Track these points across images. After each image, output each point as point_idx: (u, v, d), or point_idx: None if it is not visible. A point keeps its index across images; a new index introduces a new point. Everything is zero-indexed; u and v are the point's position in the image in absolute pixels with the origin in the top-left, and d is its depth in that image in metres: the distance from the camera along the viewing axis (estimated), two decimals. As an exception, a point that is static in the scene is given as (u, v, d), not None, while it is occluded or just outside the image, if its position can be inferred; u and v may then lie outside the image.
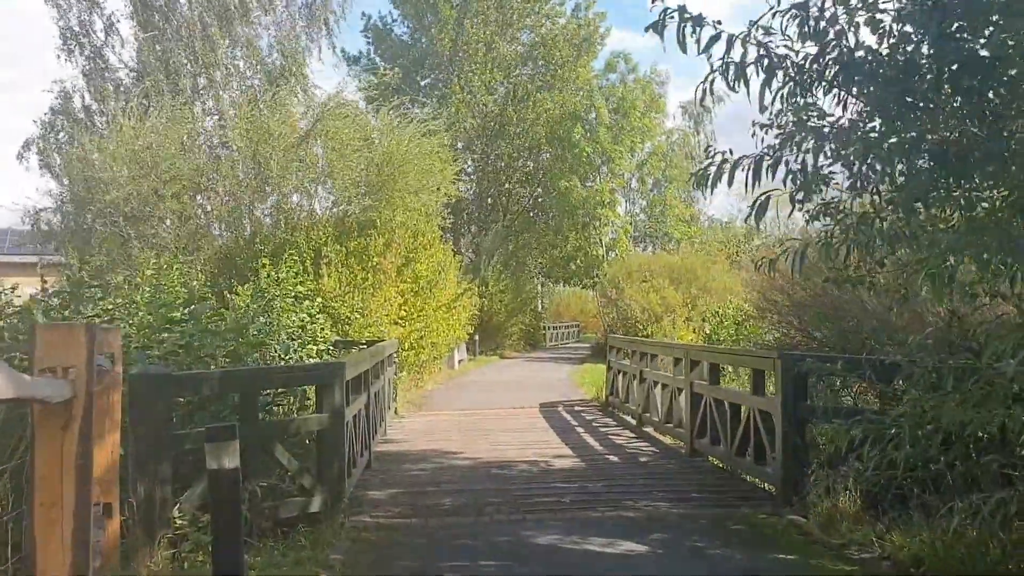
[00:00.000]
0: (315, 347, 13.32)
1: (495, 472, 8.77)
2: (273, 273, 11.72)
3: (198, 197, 18.06)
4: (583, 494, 7.58)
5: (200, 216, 17.82)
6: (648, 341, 12.19)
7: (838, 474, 6.02)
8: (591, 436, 11.29)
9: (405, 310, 17.60)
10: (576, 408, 14.59)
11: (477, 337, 27.91)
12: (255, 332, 7.72)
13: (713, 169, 4.88)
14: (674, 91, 75.66)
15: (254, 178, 17.46)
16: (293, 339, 13.33)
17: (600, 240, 34.97)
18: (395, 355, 14.47)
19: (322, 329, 13.78)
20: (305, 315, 13.60)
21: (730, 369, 11.33)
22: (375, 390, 10.24)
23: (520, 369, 25.14)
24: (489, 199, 39.61)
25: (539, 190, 38.79)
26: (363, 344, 14.06)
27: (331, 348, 13.84)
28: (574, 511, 6.90)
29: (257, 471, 6.32)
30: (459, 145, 33.89)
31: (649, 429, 11.61)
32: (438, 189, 18.73)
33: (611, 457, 9.62)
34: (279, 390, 7.29)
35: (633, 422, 12.27)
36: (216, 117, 21.29)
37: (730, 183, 4.95)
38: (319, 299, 14.21)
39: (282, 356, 8.25)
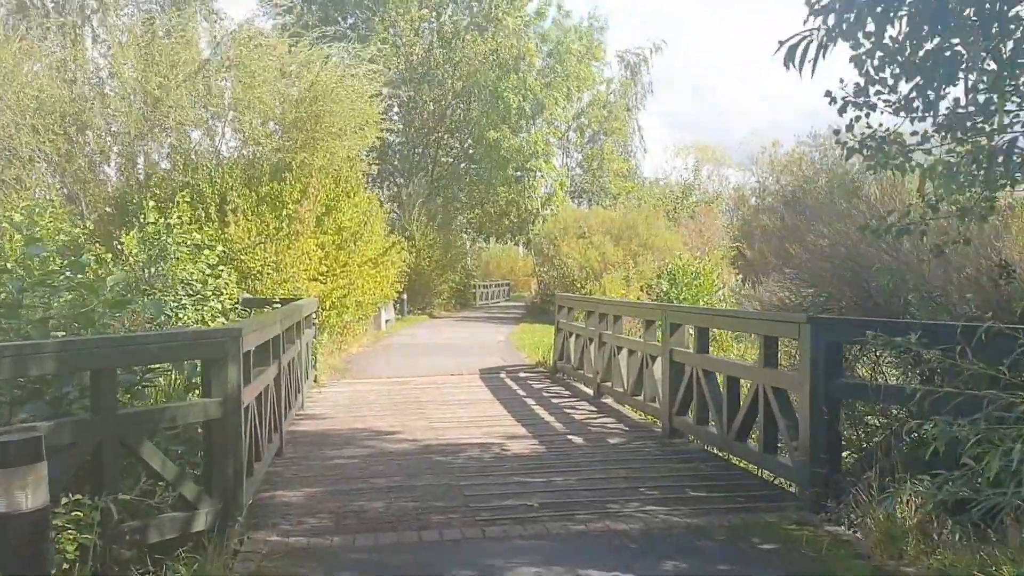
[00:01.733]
0: (218, 304, 11.51)
1: (437, 460, 7.13)
2: (160, 219, 9.73)
3: (87, 134, 15.68)
4: (553, 492, 6.00)
5: (83, 157, 15.42)
6: (610, 300, 10.66)
7: (896, 480, 4.57)
8: (544, 409, 9.73)
9: (326, 265, 15.69)
10: (521, 374, 13.03)
11: (405, 296, 26.07)
12: (114, 286, 5.74)
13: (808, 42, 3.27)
14: (612, 39, 74.09)
15: (151, 112, 15.16)
16: (190, 295, 11.48)
17: (535, 194, 33.27)
18: (315, 315, 12.63)
19: (227, 284, 11.93)
20: (204, 267, 11.76)
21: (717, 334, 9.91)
22: (289, 358, 8.45)
23: (453, 330, 23.46)
24: (417, 149, 37.43)
25: (469, 140, 36.80)
26: (276, 303, 12.23)
27: (238, 306, 12.04)
28: (547, 521, 5.30)
29: (116, 480, 4.54)
30: (383, 90, 31.65)
31: (609, 400, 10.13)
32: (362, 129, 16.69)
33: (574, 438, 8.07)
34: (152, 367, 5.41)
35: (589, 392, 10.77)
36: (106, 45, 18.68)
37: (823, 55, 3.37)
38: (219, 248, 12.24)
39: (156, 319, 6.32)
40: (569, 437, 8.10)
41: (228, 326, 5.68)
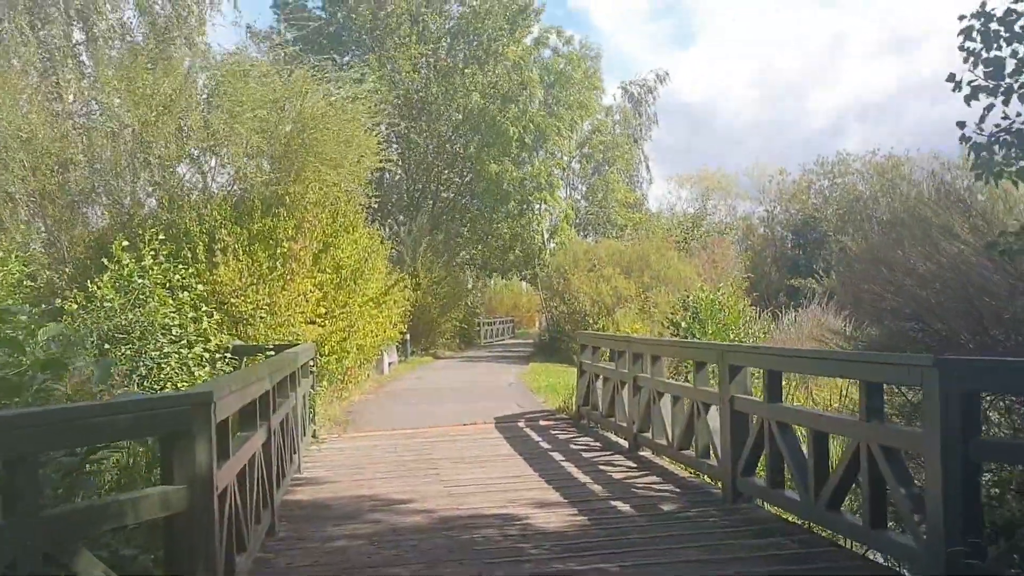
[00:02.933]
0: (202, 351, 10.40)
1: (459, 539, 5.90)
2: (132, 263, 8.62)
3: (70, 172, 14.60)
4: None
5: (64, 196, 14.34)
6: (648, 339, 9.48)
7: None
8: (576, 466, 8.49)
9: (324, 306, 14.53)
10: (541, 423, 11.79)
11: (408, 336, 24.86)
12: (47, 341, 4.53)
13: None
14: (606, 70, 73.92)
15: (136, 147, 14.11)
16: (173, 341, 10.38)
17: (539, 227, 32.18)
18: (312, 362, 11.44)
19: (207, 328, 10.79)
20: (188, 309, 10.66)
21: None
22: (282, 417, 7.25)
23: (460, 372, 22.22)
24: (417, 185, 36.47)
25: (469, 176, 35.84)
26: (270, 350, 11.12)
27: (227, 355, 10.93)
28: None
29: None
30: (382, 126, 30.80)
31: (648, 453, 8.90)
32: (359, 161, 15.60)
33: (619, 504, 6.83)
34: (98, 447, 4.21)
35: (623, 443, 9.55)
36: (92, 78, 17.68)
37: None
38: (200, 288, 11.16)
39: (103, 382, 5.10)
40: (613, 503, 6.87)
41: (196, 389, 4.51)
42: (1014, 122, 3.99)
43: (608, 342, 10.90)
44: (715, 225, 40.20)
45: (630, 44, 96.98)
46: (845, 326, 6.94)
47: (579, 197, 35.63)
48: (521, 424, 11.70)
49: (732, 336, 13.79)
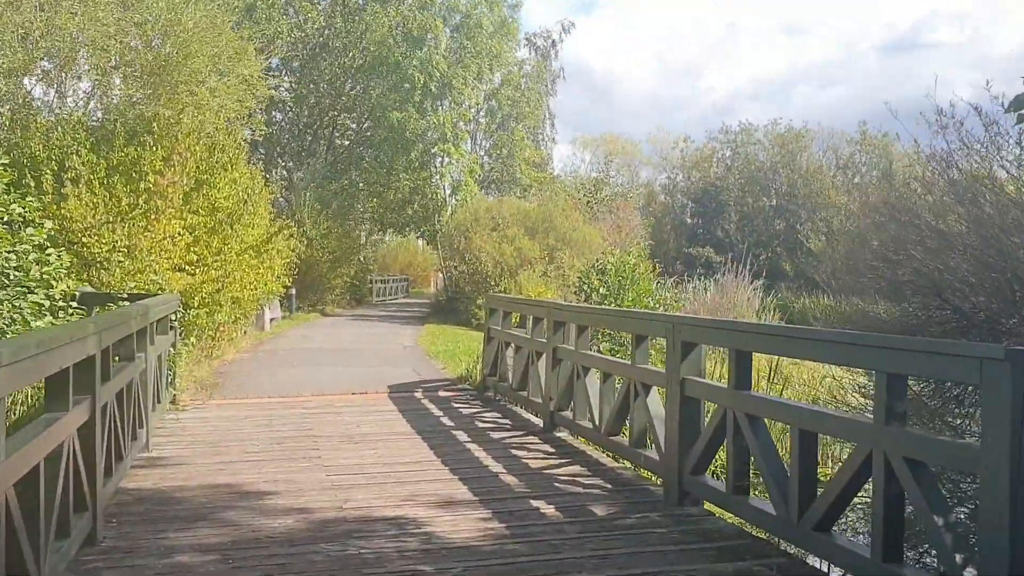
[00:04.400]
0: (43, 299, 8.66)
1: (345, 554, 4.55)
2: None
3: None
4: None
5: None
6: (573, 306, 8.16)
7: None
8: (485, 450, 7.22)
9: (196, 252, 12.66)
10: (442, 394, 10.48)
11: (294, 291, 22.99)
12: None
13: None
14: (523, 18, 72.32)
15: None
16: (3, 286, 8.60)
17: (442, 181, 30.51)
18: (174, 317, 9.74)
19: (52, 272, 9.04)
20: (28, 248, 8.92)
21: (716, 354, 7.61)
22: (120, 385, 5.68)
23: (350, 330, 20.59)
24: (309, 131, 34.09)
25: (368, 122, 33.70)
26: (124, 298, 9.42)
27: (72, 304, 9.20)
28: None
29: None
30: (273, 61, 28.40)
31: (565, 434, 7.75)
32: (245, 83, 13.66)
33: (540, 505, 5.59)
34: None
35: (536, 421, 8.38)
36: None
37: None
38: (48, 225, 9.37)
39: None
40: (534, 504, 5.62)
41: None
42: None
43: (525, 307, 9.63)
44: (617, 190, 39.50)
45: (530, 3, 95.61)
46: (840, 302, 5.99)
47: (483, 153, 34.06)
48: (419, 395, 10.36)
49: (652, 304, 12.79)
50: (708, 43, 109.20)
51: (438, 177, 30.41)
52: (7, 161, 9.50)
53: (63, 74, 12.49)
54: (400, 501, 5.59)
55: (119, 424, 5.69)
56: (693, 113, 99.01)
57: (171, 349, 9.25)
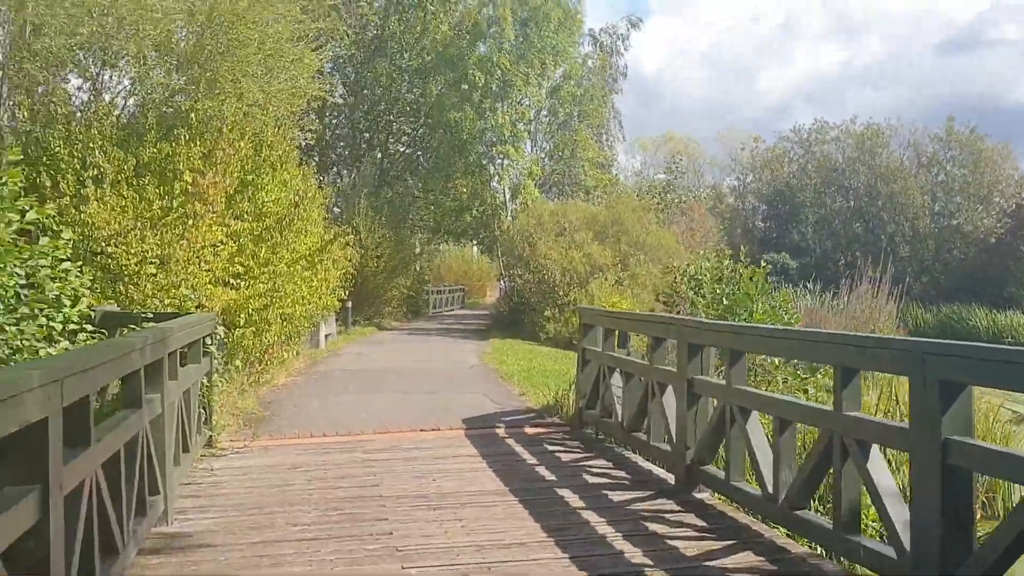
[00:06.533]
0: (54, 323, 7.19)
1: None
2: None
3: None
4: None
5: None
6: (712, 324, 6.22)
7: None
8: (607, 522, 5.34)
9: (241, 263, 11.12)
10: (528, 430, 8.66)
11: (350, 304, 21.46)
12: None
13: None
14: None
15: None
16: (11, 309, 7.14)
17: (501, 185, 28.78)
18: (212, 339, 8.11)
19: (76, 289, 7.55)
20: (43, 263, 7.45)
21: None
22: (115, 446, 4.02)
23: (409, 347, 18.96)
24: (364, 136, 32.69)
25: (423, 128, 32.19)
26: (148, 319, 7.87)
27: (87, 327, 7.66)
28: None
29: None
30: (327, 66, 27.08)
31: (707, 496, 5.87)
32: (295, 79, 12.11)
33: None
34: None
35: (664, 475, 6.52)
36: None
37: None
38: (68, 234, 7.88)
39: None
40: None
41: None
42: None
43: (639, 324, 7.78)
44: (685, 192, 37.38)
45: (585, 11, 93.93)
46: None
47: (543, 155, 32.26)
48: (501, 431, 8.58)
49: (788, 320, 10.86)
50: (759, 46, 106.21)
51: (497, 180, 28.72)
52: (20, 158, 8.00)
53: (101, 64, 11.02)
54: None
55: (104, 506, 3.95)
56: (746, 116, 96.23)
57: (205, 380, 7.63)
